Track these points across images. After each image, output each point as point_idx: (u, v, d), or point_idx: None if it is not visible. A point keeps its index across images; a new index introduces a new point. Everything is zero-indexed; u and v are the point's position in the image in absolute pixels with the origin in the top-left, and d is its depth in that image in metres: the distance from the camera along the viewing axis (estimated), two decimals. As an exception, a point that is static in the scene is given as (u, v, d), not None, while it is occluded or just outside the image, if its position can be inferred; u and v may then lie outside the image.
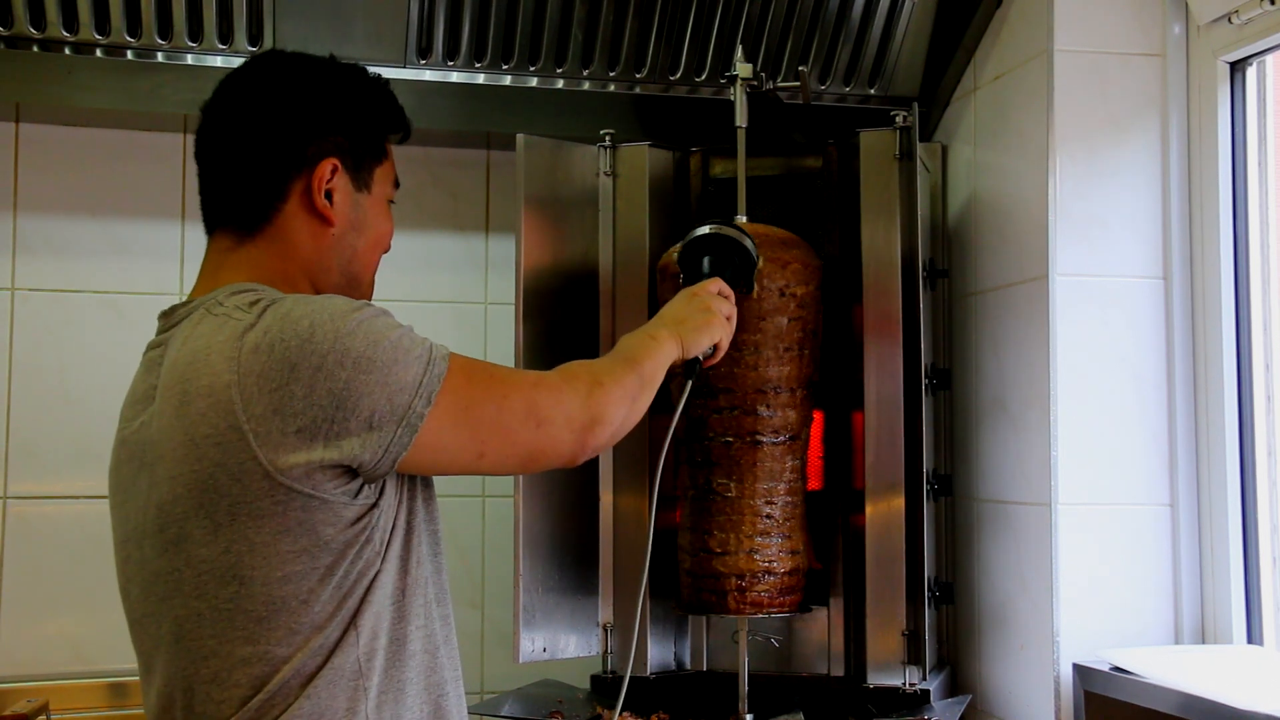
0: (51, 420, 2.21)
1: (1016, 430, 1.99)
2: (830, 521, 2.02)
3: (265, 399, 1.21)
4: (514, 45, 2.09)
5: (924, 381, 1.96)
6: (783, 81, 2.05)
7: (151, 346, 1.37)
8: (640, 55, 2.13)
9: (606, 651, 2.05)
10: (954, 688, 2.12)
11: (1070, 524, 1.89)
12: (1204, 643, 1.91)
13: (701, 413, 1.87)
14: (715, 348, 1.67)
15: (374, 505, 1.27)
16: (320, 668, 1.25)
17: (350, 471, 1.24)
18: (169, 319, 1.36)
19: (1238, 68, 1.92)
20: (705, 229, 1.80)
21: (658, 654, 2.07)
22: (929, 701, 1.91)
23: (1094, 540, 1.90)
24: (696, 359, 1.64)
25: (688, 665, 2.11)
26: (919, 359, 1.94)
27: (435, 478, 1.38)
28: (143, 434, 1.31)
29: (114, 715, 2.17)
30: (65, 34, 1.97)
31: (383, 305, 1.31)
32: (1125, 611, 1.91)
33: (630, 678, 1.84)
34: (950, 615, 2.18)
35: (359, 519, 1.26)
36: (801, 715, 1.90)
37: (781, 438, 1.87)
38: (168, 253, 2.27)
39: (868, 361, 1.96)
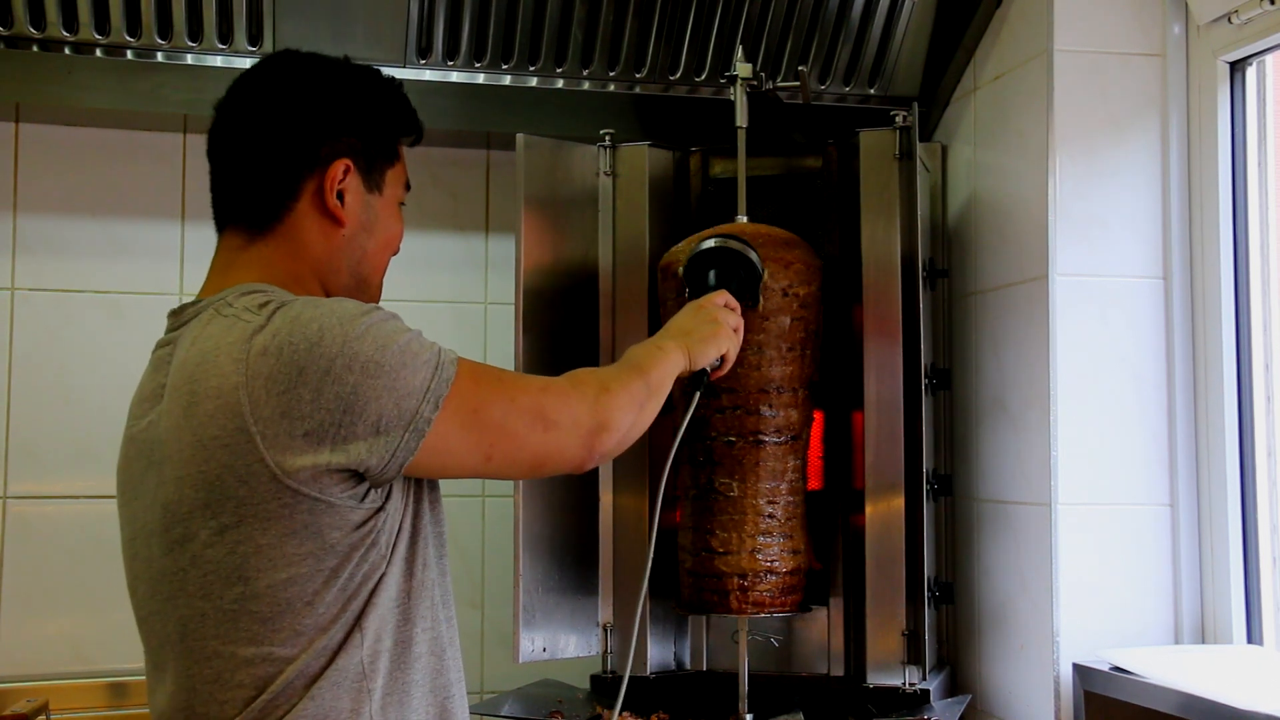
0: (51, 420, 2.21)
1: (1016, 430, 1.99)
2: (830, 521, 2.02)
3: (273, 402, 1.21)
4: (514, 45, 2.09)
5: (924, 381, 1.96)
6: (783, 81, 2.05)
7: (160, 345, 1.37)
8: (640, 55, 2.13)
9: (606, 651, 2.05)
10: (954, 688, 2.13)
11: (1070, 524, 1.89)
12: (1204, 643, 1.91)
13: (704, 412, 1.87)
14: (722, 359, 1.68)
15: (380, 509, 1.27)
16: (324, 669, 1.25)
17: (357, 475, 1.24)
18: (178, 318, 1.36)
19: (1238, 68, 1.92)
20: (711, 242, 1.80)
21: (658, 654, 2.07)
22: (929, 701, 1.91)
23: (1094, 540, 1.90)
24: (704, 370, 1.65)
25: (687, 665, 2.12)
26: (919, 359, 1.94)
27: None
28: (151, 432, 1.31)
29: (114, 715, 2.17)
30: (65, 34, 1.97)
31: (383, 306, 1.32)
32: (1125, 611, 1.91)
33: (630, 677, 1.84)
34: (950, 615, 2.18)
35: (365, 522, 1.26)
36: (801, 715, 1.90)
37: (784, 437, 1.87)
38: (168, 253, 2.27)
39: (868, 361, 1.96)
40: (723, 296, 1.72)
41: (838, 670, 2.03)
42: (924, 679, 1.91)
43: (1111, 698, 1.76)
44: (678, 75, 2.16)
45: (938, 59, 2.19)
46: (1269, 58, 1.89)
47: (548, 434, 1.34)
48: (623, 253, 2.08)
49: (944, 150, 2.24)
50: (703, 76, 2.16)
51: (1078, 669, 1.84)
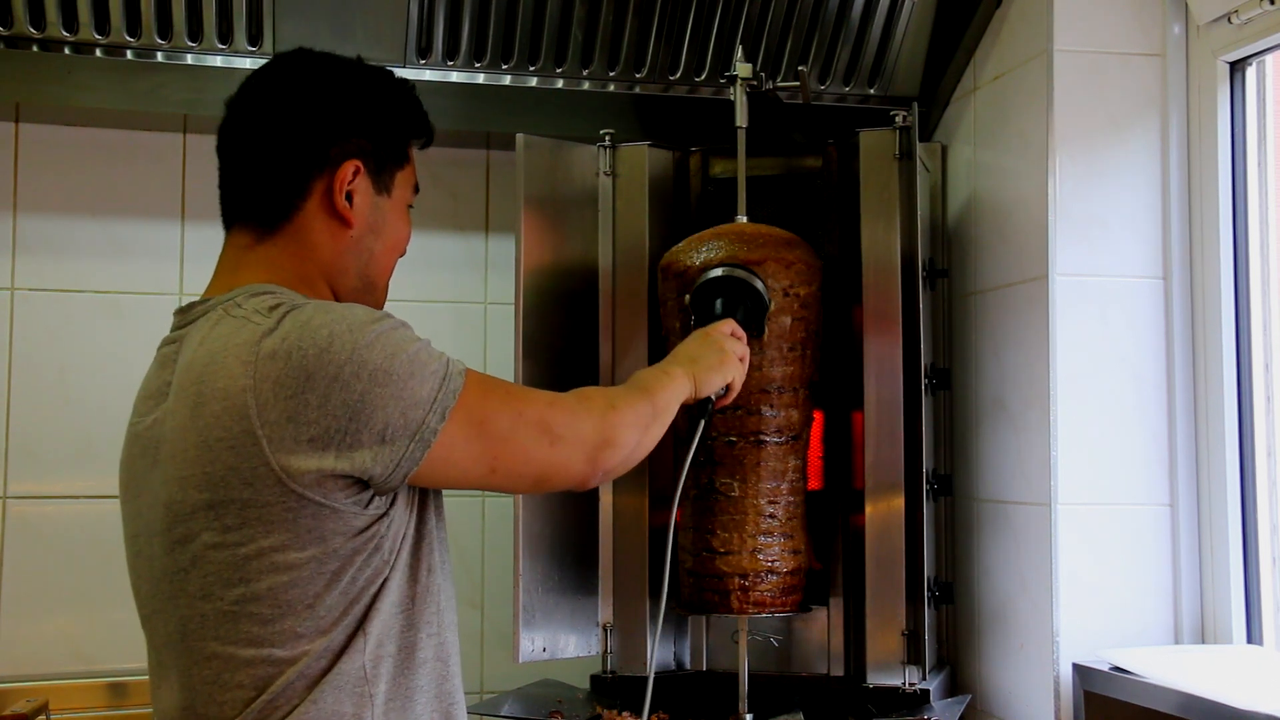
0: (51, 420, 2.20)
1: (1016, 430, 1.99)
2: (830, 521, 2.02)
3: (280, 405, 1.21)
4: (514, 45, 2.09)
5: (924, 381, 1.96)
6: (782, 81, 2.05)
7: (166, 342, 1.37)
8: (640, 55, 2.13)
9: (606, 651, 2.05)
10: (954, 688, 2.13)
11: (1070, 524, 1.89)
12: (1204, 643, 1.91)
13: (703, 413, 1.88)
14: (728, 388, 1.69)
15: (384, 515, 1.27)
16: (325, 672, 1.25)
17: (361, 482, 1.24)
18: (185, 315, 1.36)
19: (1237, 68, 1.92)
20: (718, 271, 1.82)
21: (658, 654, 2.07)
22: (929, 701, 1.91)
23: (1094, 540, 1.90)
24: (709, 399, 1.66)
25: (687, 665, 2.12)
26: (919, 359, 1.94)
27: (440, 483, 1.38)
28: (155, 430, 1.31)
29: (114, 715, 2.17)
30: (65, 34, 1.97)
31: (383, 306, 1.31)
32: (1125, 611, 1.91)
33: (629, 677, 1.84)
34: (950, 615, 2.18)
35: (368, 527, 1.26)
36: (801, 715, 1.90)
37: (784, 437, 1.87)
38: (168, 253, 2.27)
39: (868, 361, 1.96)
40: (729, 325, 1.73)
41: (838, 670, 2.03)
42: (924, 679, 1.91)
43: (1111, 698, 1.76)
44: (677, 75, 2.16)
45: (938, 59, 2.19)
46: (1269, 58, 1.89)
47: (553, 448, 1.34)
48: (623, 253, 2.08)
49: (944, 150, 2.24)
50: (703, 76, 2.16)
51: (1077, 669, 1.84)
